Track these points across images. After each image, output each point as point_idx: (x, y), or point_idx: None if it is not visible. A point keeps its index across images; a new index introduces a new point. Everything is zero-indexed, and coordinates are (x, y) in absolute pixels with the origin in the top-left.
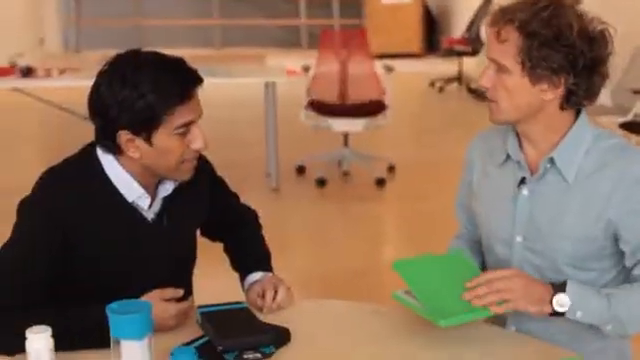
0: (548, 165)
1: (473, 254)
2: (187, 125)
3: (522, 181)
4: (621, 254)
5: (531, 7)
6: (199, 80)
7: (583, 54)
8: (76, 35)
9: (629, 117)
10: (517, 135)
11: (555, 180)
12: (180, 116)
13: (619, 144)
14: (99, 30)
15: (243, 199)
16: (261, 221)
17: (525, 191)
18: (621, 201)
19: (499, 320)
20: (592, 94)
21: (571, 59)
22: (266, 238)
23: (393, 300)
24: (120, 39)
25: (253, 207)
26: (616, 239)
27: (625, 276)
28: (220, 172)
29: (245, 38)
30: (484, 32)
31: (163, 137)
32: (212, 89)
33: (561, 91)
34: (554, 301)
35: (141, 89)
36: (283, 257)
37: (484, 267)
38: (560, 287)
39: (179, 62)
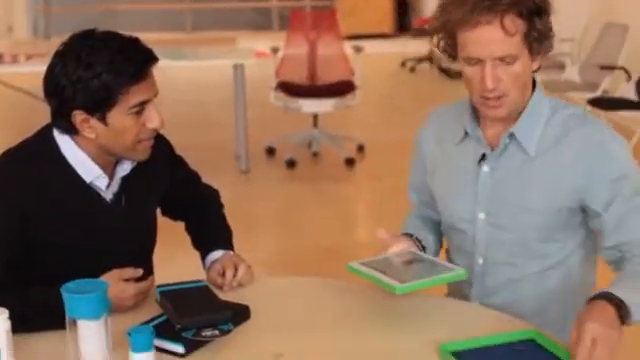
0: (508, 140)
1: (429, 232)
2: (142, 104)
3: (482, 158)
4: (586, 222)
5: None
6: (154, 59)
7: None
8: (45, 22)
9: (597, 93)
10: (473, 111)
11: (516, 154)
12: (135, 95)
13: (577, 114)
14: (69, 16)
15: (213, 181)
16: (231, 203)
17: (486, 167)
18: (584, 170)
19: (463, 295)
20: (552, 45)
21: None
22: (236, 219)
23: (349, 272)
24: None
25: (223, 189)
26: (582, 208)
27: (589, 244)
28: (189, 154)
29: (216, 21)
30: (470, 37)
31: (118, 117)
32: (181, 72)
33: (545, 54)
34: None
35: (95, 69)
36: (253, 238)
37: (441, 246)
38: (608, 296)
39: (133, 41)
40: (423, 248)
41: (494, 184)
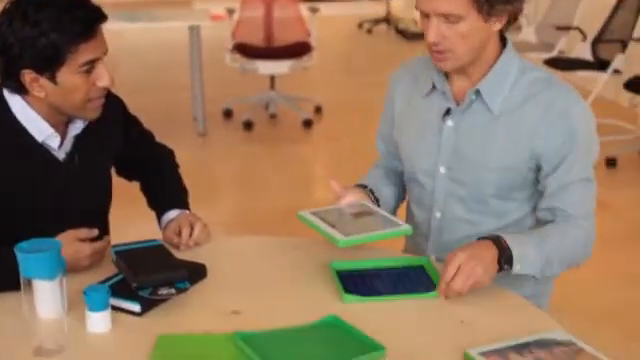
0: (474, 96)
1: (389, 184)
2: (92, 63)
3: (447, 112)
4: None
5: None
6: (103, 17)
7: None
8: None
9: (553, 53)
10: None
11: (481, 111)
12: (84, 54)
13: (544, 77)
14: None
15: (170, 144)
16: (189, 165)
17: (450, 122)
18: (546, 134)
19: (419, 250)
20: (520, 10)
21: None
22: (194, 182)
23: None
24: None
25: (181, 152)
26: (538, 170)
27: None
28: (146, 117)
29: None
30: None
31: (67, 75)
32: (137, 35)
33: (506, 17)
34: (503, 262)
35: (42, 27)
36: (212, 200)
37: (402, 198)
38: (497, 241)
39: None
40: (377, 200)
41: (457, 139)
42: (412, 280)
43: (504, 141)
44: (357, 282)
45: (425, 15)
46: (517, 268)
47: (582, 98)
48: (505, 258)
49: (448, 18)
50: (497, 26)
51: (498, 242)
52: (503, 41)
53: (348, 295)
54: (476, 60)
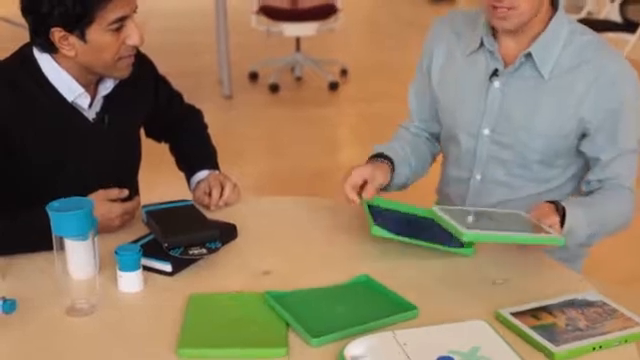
0: (524, 59)
1: (414, 148)
2: (121, 20)
3: (494, 73)
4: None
5: None
6: None
7: None
8: None
9: (582, 15)
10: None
11: (530, 74)
12: (113, 11)
13: (595, 41)
14: None
15: (197, 106)
16: (215, 128)
17: (497, 83)
18: (595, 101)
19: None
20: None
21: None
22: (221, 145)
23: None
24: None
25: (207, 115)
26: (583, 136)
27: (583, 175)
28: (173, 81)
29: None
30: None
31: (97, 33)
32: None
33: None
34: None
35: None
36: (238, 163)
37: (433, 158)
38: (558, 206)
39: None
40: (392, 170)
41: (503, 101)
42: (429, 225)
43: (552, 106)
44: (386, 219)
45: None
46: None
47: (631, 67)
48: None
49: None
50: None
51: (558, 209)
52: (554, 3)
53: (377, 227)
54: (531, 18)
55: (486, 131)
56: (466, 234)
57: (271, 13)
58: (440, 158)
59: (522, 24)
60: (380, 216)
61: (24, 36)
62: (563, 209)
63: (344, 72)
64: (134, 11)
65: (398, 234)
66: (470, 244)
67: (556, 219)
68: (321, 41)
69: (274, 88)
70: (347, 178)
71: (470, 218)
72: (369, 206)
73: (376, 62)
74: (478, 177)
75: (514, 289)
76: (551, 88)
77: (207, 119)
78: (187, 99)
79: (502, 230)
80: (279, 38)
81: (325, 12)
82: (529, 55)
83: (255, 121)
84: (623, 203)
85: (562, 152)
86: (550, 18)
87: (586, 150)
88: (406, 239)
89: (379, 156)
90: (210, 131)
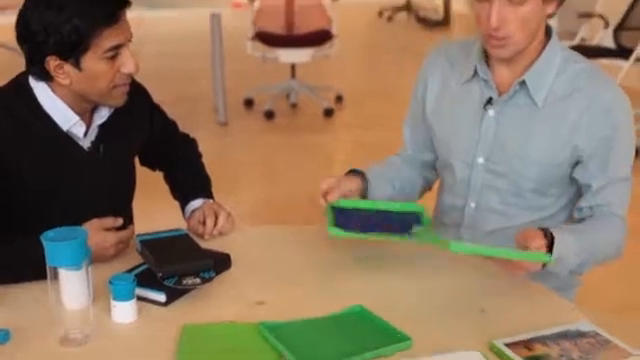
0: (518, 87)
1: (411, 169)
2: (116, 48)
3: (489, 101)
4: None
5: None
6: (126, 2)
7: None
8: None
9: (575, 41)
10: (484, 52)
11: (524, 102)
12: (108, 39)
13: (588, 68)
14: None
15: (191, 134)
16: (211, 155)
17: (491, 112)
18: (588, 129)
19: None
20: None
21: None
22: (216, 172)
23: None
24: None
25: (202, 142)
26: (576, 165)
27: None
28: (167, 107)
29: None
30: None
31: (92, 61)
32: (158, 23)
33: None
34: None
35: (67, 12)
36: (233, 190)
37: (427, 186)
38: (546, 233)
39: None
40: (365, 192)
41: (498, 129)
42: (400, 223)
43: (546, 134)
44: (348, 218)
45: (484, 0)
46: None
47: (624, 94)
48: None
49: (512, 0)
50: (550, 9)
51: (546, 235)
52: (547, 31)
53: (333, 228)
54: (526, 47)
55: (480, 160)
56: (453, 244)
57: (267, 39)
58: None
59: (517, 52)
60: (343, 217)
61: (22, 62)
62: (552, 235)
63: (339, 98)
64: (129, 40)
65: (353, 232)
66: (425, 220)
67: (542, 242)
68: (316, 67)
69: (269, 115)
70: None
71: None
72: (334, 208)
73: (371, 88)
74: (473, 205)
75: (507, 318)
76: (545, 116)
77: (202, 146)
78: (182, 125)
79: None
80: (274, 64)
81: (320, 38)
82: (523, 83)
83: (250, 148)
84: (614, 232)
85: (555, 181)
86: (544, 46)
87: (578, 177)
88: (361, 235)
89: (351, 172)
90: (205, 158)
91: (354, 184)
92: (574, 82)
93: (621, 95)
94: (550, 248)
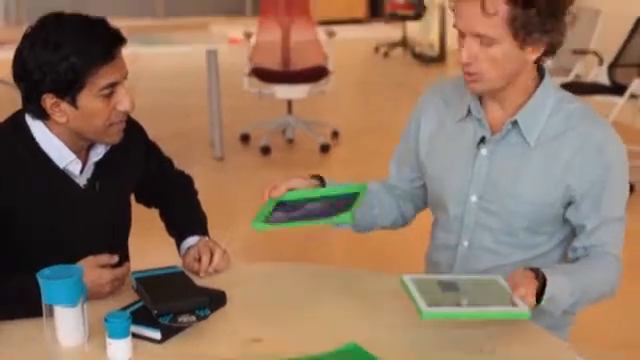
0: (510, 126)
1: (391, 196)
2: (112, 86)
3: (482, 140)
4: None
5: None
6: (122, 40)
7: (561, 6)
8: (17, 7)
9: (570, 77)
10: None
11: (517, 142)
12: (104, 77)
13: (581, 109)
14: (41, 2)
15: (188, 169)
16: (207, 190)
17: (484, 151)
18: (580, 169)
19: None
20: (559, 43)
21: (556, 14)
22: (212, 207)
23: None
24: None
25: (198, 177)
26: (569, 204)
27: (570, 240)
28: (164, 142)
29: (189, 7)
30: (454, 6)
31: (88, 99)
32: (154, 59)
33: (543, 48)
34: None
35: (63, 51)
36: (229, 225)
37: (401, 219)
38: (538, 274)
39: (101, 22)
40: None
41: (490, 169)
42: (335, 207)
43: (539, 174)
44: (283, 211)
45: (462, 34)
46: (545, 305)
47: (617, 135)
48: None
49: (482, 39)
50: (533, 56)
51: (538, 277)
52: (540, 71)
53: (257, 224)
54: (510, 88)
55: (474, 198)
56: (425, 313)
57: (263, 75)
58: (424, 224)
59: (494, 90)
60: (282, 210)
61: (20, 98)
62: (544, 277)
63: (335, 134)
64: (125, 77)
65: (279, 223)
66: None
67: (531, 288)
68: (312, 103)
69: (266, 150)
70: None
71: (438, 290)
72: (277, 203)
73: (367, 124)
74: (466, 244)
75: (505, 357)
76: (537, 155)
77: (198, 181)
78: (178, 161)
79: (466, 305)
80: (271, 100)
81: (316, 74)
82: (515, 123)
83: (247, 183)
84: (609, 271)
85: (548, 220)
86: (537, 86)
87: (571, 218)
88: (288, 224)
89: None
90: (201, 193)
91: (303, 183)
92: (567, 122)
93: (614, 135)
94: (542, 290)
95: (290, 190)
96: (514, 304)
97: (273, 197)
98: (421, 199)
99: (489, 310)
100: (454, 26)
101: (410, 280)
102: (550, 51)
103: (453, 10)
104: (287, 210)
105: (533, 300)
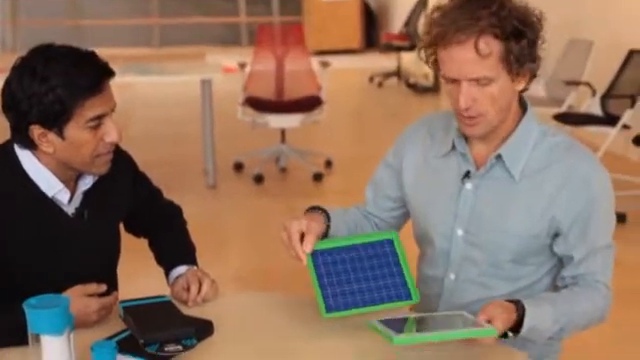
0: (494, 160)
1: (357, 220)
2: (99, 118)
3: (466, 175)
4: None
5: (482, 10)
6: (109, 73)
7: (541, 36)
8: (13, 35)
9: (563, 108)
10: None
11: (501, 175)
12: (91, 109)
13: (565, 142)
14: (37, 30)
15: (181, 197)
16: (199, 218)
17: (469, 185)
18: (566, 201)
19: (429, 310)
20: (537, 68)
21: (537, 41)
22: (204, 235)
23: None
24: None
25: (191, 205)
26: (556, 236)
27: (556, 272)
28: (157, 170)
29: (185, 37)
30: (446, 56)
31: (75, 131)
32: (149, 88)
33: (528, 76)
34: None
35: (50, 83)
36: (222, 254)
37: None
38: (516, 305)
39: (90, 55)
40: (328, 227)
41: (476, 203)
42: (379, 256)
43: (524, 207)
44: (332, 265)
45: (453, 81)
46: (526, 334)
47: (602, 167)
48: (515, 325)
49: (479, 81)
50: (521, 85)
51: (518, 308)
52: (522, 104)
53: (328, 312)
54: (501, 124)
55: (460, 232)
56: (395, 338)
57: (257, 105)
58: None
59: (491, 129)
60: (324, 265)
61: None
62: (523, 308)
63: (329, 163)
64: (112, 110)
65: (351, 308)
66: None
67: (503, 315)
68: (306, 132)
69: (259, 179)
70: (288, 236)
71: (405, 323)
72: (312, 255)
73: (361, 153)
74: (452, 277)
75: None
76: (522, 189)
77: (190, 209)
78: (171, 188)
79: (434, 330)
80: (264, 129)
81: (310, 104)
82: (499, 157)
83: (239, 211)
84: (597, 298)
85: (534, 251)
86: (520, 119)
87: (559, 249)
88: (361, 309)
89: (313, 209)
90: (193, 220)
91: (321, 227)
92: (551, 155)
93: (598, 166)
94: (521, 320)
95: (317, 238)
96: (480, 326)
97: (308, 252)
98: (401, 225)
99: (456, 331)
100: (443, 76)
101: (376, 321)
102: (532, 78)
103: (435, 61)
104: (327, 264)
105: (500, 325)
